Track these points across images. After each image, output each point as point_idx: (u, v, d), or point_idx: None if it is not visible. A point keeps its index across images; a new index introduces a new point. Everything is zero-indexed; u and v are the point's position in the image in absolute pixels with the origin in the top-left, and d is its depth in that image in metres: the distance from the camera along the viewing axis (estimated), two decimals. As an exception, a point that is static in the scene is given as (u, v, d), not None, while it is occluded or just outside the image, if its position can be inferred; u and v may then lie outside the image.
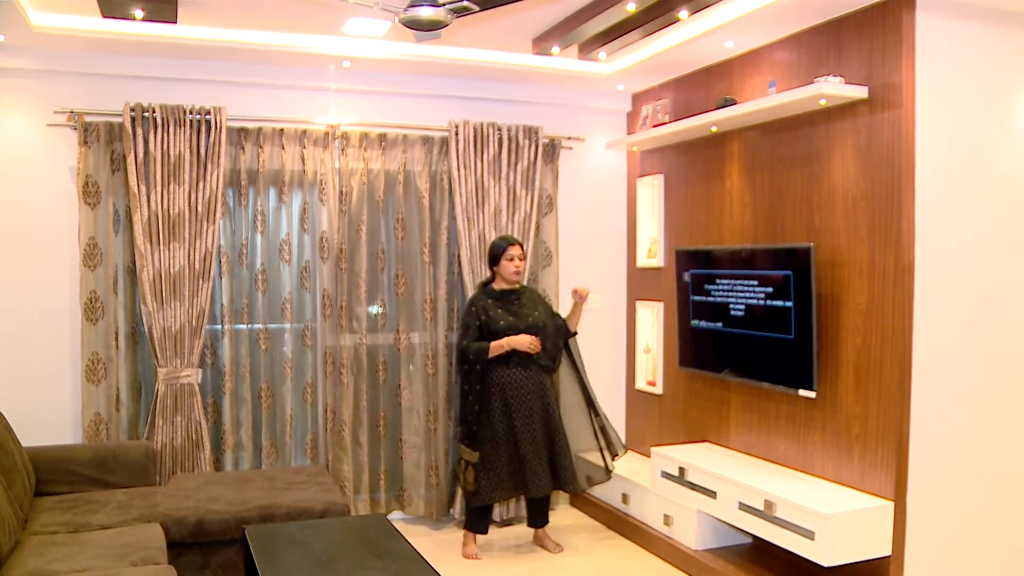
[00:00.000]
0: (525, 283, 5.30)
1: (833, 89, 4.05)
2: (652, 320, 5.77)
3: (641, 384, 5.87)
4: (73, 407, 4.97)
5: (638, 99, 5.94)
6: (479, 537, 5.13)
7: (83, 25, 4.55)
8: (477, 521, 5.06)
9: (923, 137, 3.91)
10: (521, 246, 5.04)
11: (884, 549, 3.97)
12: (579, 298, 5.07)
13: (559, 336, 5.07)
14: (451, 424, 5.62)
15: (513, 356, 4.89)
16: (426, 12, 3.68)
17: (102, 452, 4.65)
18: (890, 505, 3.98)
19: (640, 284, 5.96)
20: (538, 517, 5.18)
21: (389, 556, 3.58)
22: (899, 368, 3.96)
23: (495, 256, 4.99)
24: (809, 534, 3.93)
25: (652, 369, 5.79)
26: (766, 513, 4.18)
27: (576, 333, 5.18)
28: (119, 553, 3.63)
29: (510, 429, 4.87)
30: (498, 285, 5.04)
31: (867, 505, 3.98)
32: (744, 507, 4.34)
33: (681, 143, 5.47)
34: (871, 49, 4.07)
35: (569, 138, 5.82)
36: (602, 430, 5.18)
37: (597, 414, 5.19)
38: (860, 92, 4.08)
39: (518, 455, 4.87)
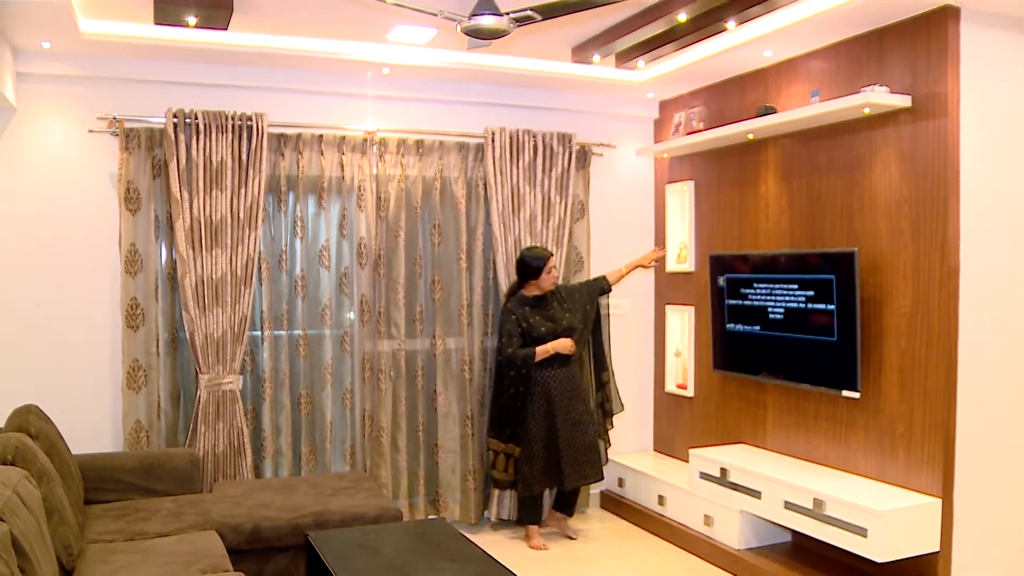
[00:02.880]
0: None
1: (879, 98, 4.16)
2: (682, 324, 5.85)
3: (671, 387, 5.95)
4: (114, 414, 4.96)
5: (666, 107, 6.03)
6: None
7: (131, 32, 4.56)
8: (530, 511, 5.31)
9: (967, 144, 4.02)
10: (553, 256, 5.31)
11: (932, 545, 4.07)
12: (649, 262, 5.52)
13: (592, 302, 5.43)
14: (486, 430, 5.66)
15: (554, 357, 5.20)
16: (488, 21, 3.73)
17: (147, 459, 4.64)
18: (938, 502, 4.08)
19: (670, 289, 6.04)
20: (567, 506, 5.50)
21: (462, 559, 3.62)
22: (945, 368, 4.06)
23: (536, 270, 5.21)
24: (861, 531, 4.02)
25: (682, 372, 5.87)
26: (815, 512, 4.26)
27: (611, 290, 5.52)
28: (184, 561, 3.62)
29: (552, 426, 5.16)
30: (530, 292, 5.30)
31: (916, 502, 4.07)
32: (791, 506, 4.42)
33: (712, 150, 5.56)
34: (914, 59, 4.18)
35: (600, 145, 5.89)
36: (602, 397, 5.57)
37: (602, 377, 5.57)
38: (904, 101, 4.19)
39: (556, 449, 5.15)
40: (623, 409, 5.72)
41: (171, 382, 5.02)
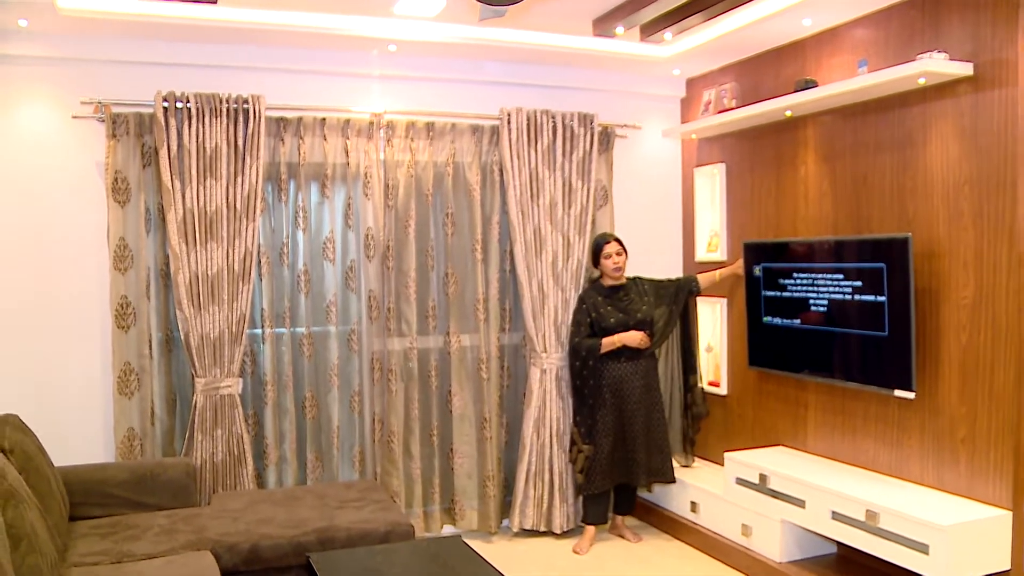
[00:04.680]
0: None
1: (938, 66, 3.75)
2: (714, 317, 5.45)
3: (702, 384, 5.54)
4: (104, 422, 4.61)
5: (693, 84, 5.62)
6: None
7: (113, 7, 4.19)
8: (594, 512, 5.07)
9: (1038, 117, 3.61)
10: (618, 241, 5.03)
11: (1003, 563, 3.68)
12: (742, 269, 5.08)
13: (677, 301, 5.15)
14: (504, 432, 5.31)
15: (624, 350, 4.94)
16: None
17: (139, 471, 4.29)
18: (1008, 515, 3.69)
19: (699, 280, 5.64)
20: (626, 505, 5.26)
21: (479, 585, 3.26)
22: (1015, 366, 3.67)
23: (595, 255, 5.06)
24: (922, 548, 3.63)
25: (715, 369, 5.47)
26: (868, 524, 3.88)
27: (700, 292, 5.25)
28: (174, 586, 3.30)
29: (619, 422, 4.95)
30: (605, 281, 5.09)
31: (984, 515, 3.68)
32: (839, 517, 4.04)
33: (745, 130, 5.15)
34: (976, 23, 3.76)
35: (624, 126, 5.49)
36: (690, 400, 5.31)
37: (690, 380, 5.30)
38: (965, 69, 3.78)
39: (624, 447, 4.95)
40: (708, 414, 5.38)
41: (166, 386, 4.68)
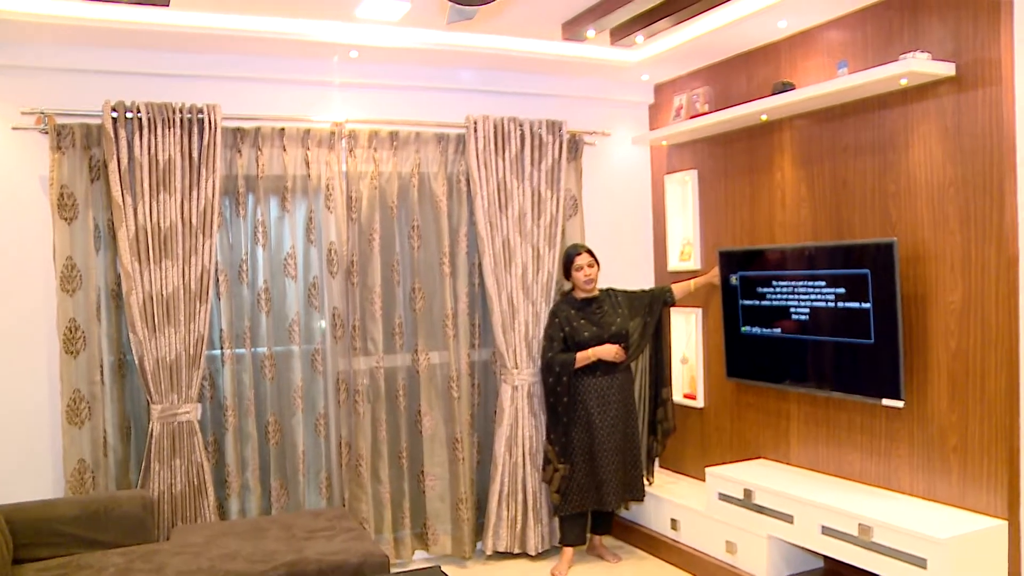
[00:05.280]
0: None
1: (921, 66, 3.66)
2: (689, 328, 5.32)
3: (678, 397, 5.39)
4: (53, 454, 4.32)
5: (662, 90, 5.50)
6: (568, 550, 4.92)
7: (54, 10, 3.93)
8: (571, 533, 4.89)
9: (1024, 116, 3.54)
10: (589, 252, 4.87)
11: (999, 573, 3.58)
12: (718, 278, 4.95)
13: (652, 312, 5.00)
14: (476, 452, 5.11)
15: (599, 365, 4.78)
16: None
17: (91, 506, 3.99)
18: (1004, 524, 3.59)
19: (672, 290, 5.50)
20: (604, 524, 5.10)
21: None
22: (1007, 371, 3.58)
23: (566, 268, 4.90)
24: (920, 562, 3.52)
25: (690, 381, 5.34)
26: (861, 539, 3.75)
27: (675, 303, 5.10)
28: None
29: (591, 442, 4.76)
30: (577, 294, 4.89)
31: (981, 526, 3.57)
32: (830, 532, 3.91)
33: (717, 135, 5.03)
34: (957, 21, 3.68)
35: (592, 133, 5.35)
36: (661, 415, 5.11)
37: (662, 393, 5.12)
38: (948, 69, 3.70)
39: (595, 467, 4.76)
40: (675, 429, 5.22)
41: (119, 414, 4.40)
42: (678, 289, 5.05)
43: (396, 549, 4.89)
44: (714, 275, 4.96)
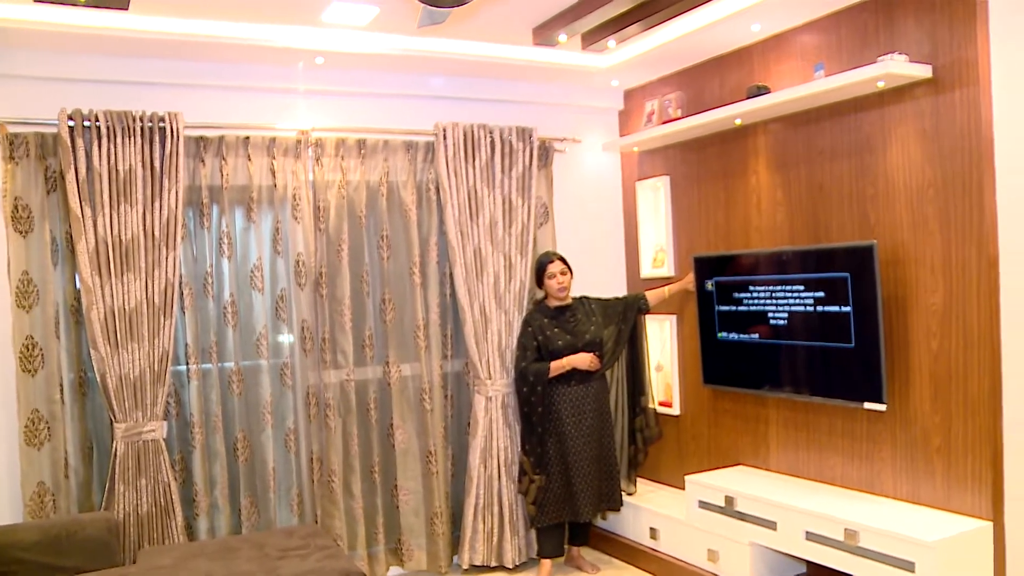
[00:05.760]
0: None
1: (899, 68, 3.65)
2: (663, 335, 5.27)
3: (653, 405, 5.32)
4: (10, 477, 4.12)
5: (632, 96, 5.46)
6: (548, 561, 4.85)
7: (4, 13, 3.76)
8: (547, 545, 4.81)
9: (1002, 116, 3.53)
10: (562, 259, 4.82)
11: (984, 575, 3.57)
12: (692, 284, 4.92)
13: (626, 320, 4.94)
14: (450, 465, 5.00)
15: (574, 374, 4.72)
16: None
17: (52, 530, 3.81)
18: (989, 526, 3.58)
19: (646, 297, 5.45)
20: (580, 536, 5.02)
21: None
22: (989, 372, 3.57)
23: (538, 276, 4.85)
24: (908, 566, 3.49)
25: (665, 388, 5.28)
26: (847, 544, 3.72)
27: (649, 310, 5.03)
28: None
29: (566, 452, 4.70)
30: (550, 302, 4.81)
31: (968, 528, 3.56)
32: (814, 537, 3.87)
33: (689, 141, 5.00)
34: (933, 23, 3.68)
35: (563, 140, 5.28)
36: (641, 424, 5.06)
37: (640, 402, 5.06)
38: (925, 71, 3.69)
39: (571, 478, 4.69)
40: (661, 435, 5.15)
41: (80, 434, 4.23)
42: (652, 296, 5.00)
43: (370, 565, 4.77)
44: (688, 281, 4.92)
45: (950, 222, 3.68)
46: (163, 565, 3.77)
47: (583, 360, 4.67)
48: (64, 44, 4.08)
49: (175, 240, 4.24)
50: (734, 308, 4.59)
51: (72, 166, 4.05)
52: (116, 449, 4.13)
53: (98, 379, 4.12)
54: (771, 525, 4.10)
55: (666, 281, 5.16)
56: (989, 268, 3.55)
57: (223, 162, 4.44)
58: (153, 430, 4.19)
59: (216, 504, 4.44)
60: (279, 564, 3.74)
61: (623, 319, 4.92)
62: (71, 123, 4.05)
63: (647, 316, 5.17)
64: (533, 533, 4.90)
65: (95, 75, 4.23)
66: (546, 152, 5.22)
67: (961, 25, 3.58)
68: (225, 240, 4.47)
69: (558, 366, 4.66)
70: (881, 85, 3.81)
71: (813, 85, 3.94)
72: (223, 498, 4.45)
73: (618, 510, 4.87)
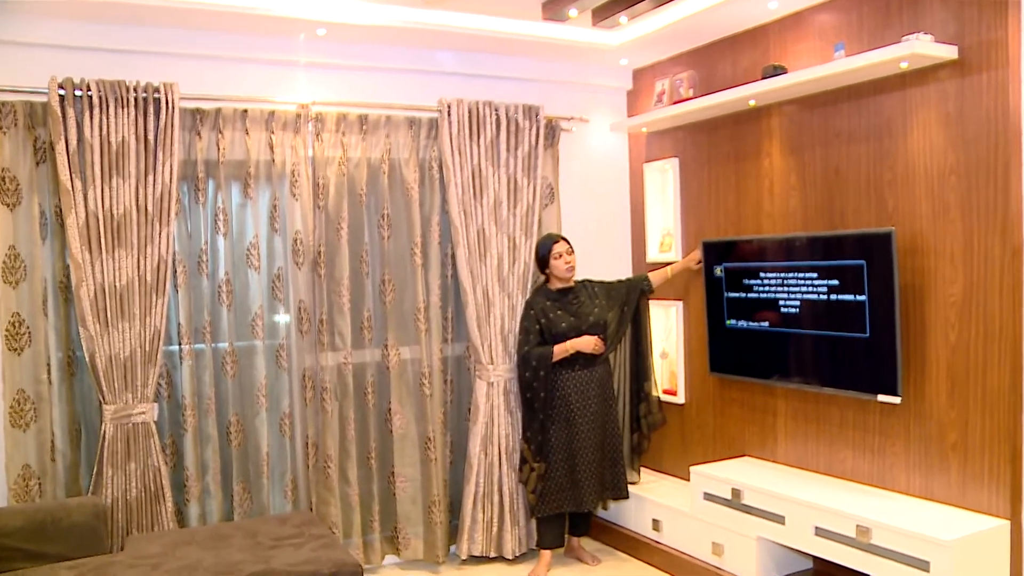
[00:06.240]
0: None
1: (925, 48, 3.50)
2: (669, 321, 5.14)
3: (657, 393, 5.20)
4: (-5, 459, 4.00)
5: (640, 75, 5.30)
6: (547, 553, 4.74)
7: (-3, -22, 3.62)
8: (548, 536, 4.70)
9: (1031, 101, 3.40)
10: (565, 240, 4.67)
11: (1002, 575, 3.46)
12: (695, 263, 4.84)
13: (629, 302, 4.83)
14: (449, 452, 4.88)
15: (578, 358, 4.59)
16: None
17: (37, 516, 3.69)
18: (1006, 524, 3.46)
19: (651, 282, 5.31)
20: (583, 525, 4.94)
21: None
22: (1010, 366, 3.45)
23: (543, 258, 4.66)
24: (923, 565, 3.38)
25: (670, 376, 5.16)
26: (859, 540, 3.60)
27: (652, 291, 4.90)
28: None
29: (571, 439, 4.58)
30: (553, 285, 4.66)
31: (985, 526, 3.44)
32: (824, 533, 3.76)
33: (699, 122, 4.85)
34: (960, 3, 3.54)
35: (570, 119, 5.13)
36: (645, 410, 4.95)
37: (644, 387, 4.94)
38: (950, 52, 3.55)
39: (575, 467, 4.57)
40: (665, 422, 5.03)
41: (68, 415, 4.09)
42: (655, 277, 4.86)
43: (365, 554, 4.65)
44: (692, 259, 4.79)
45: (973, 210, 3.54)
46: (151, 553, 3.66)
47: (587, 343, 4.54)
48: (55, 9, 3.91)
49: (169, 216, 4.09)
50: (744, 295, 4.46)
51: (62, 137, 3.89)
52: (105, 432, 3.99)
53: (87, 359, 3.99)
54: (779, 519, 3.98)
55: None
56: (1013, 258, 3.42)
57: (220, 135, 4.29)
58: (143, 412, 4.06)
59: (208, 489, 4.31)
60: (272, 554, 3.63)
61: (626, 301, 4.80)
62: (62, 92, 3.89)
63: (653, 302, 5.05)
64: (533, 523, 4.79)
65: (87, 42, 4.05)
66: (552, 131, 5.07)
67: (990, 5, 3.44)
68: (221, 216, 4.32)
69: (561, 350, 4.53)
70: (904, 66, 3.67)
71: (834, 65, 3.79)
72: (215, 483, 4.32)
73: (626, 498, 4.74)
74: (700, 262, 4.76)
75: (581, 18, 4.41)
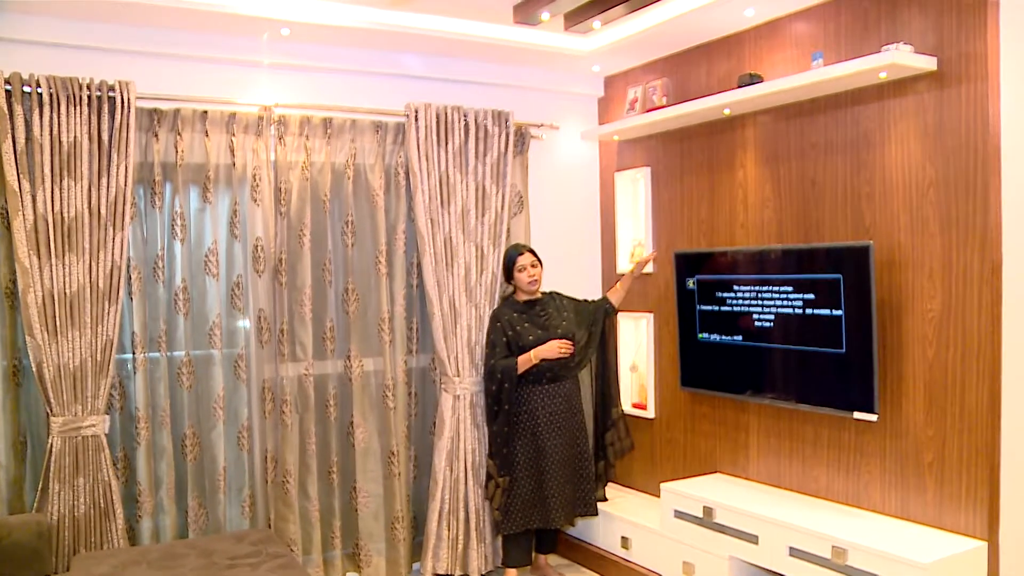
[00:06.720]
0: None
1: (904, 59, 3.44)
2: (639, 335, 5.05)
3: (626, 407, 5.08)
4: (-67, 473, 3.80)
5: (612, 83, 5.21)
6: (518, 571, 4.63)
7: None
8: (514, 553, 4.58)
9: (1011, 114, 3.33)
10: (531, 251, 4.56)
11: (979, 598, 3.39)
12: (637, 266, 4.80)
13: (596, 323, 4.68)
14: (413, 467, 4.74)
15: (545, 372, 4.44)
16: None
17: (-23, 534, 3.51)
18: (983, 546, 3.39)
19: (622, 293, 5.21)
20: (549, 543, 4.81)
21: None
22: (988, 384, 3.38)
23: (508, 269, 4.57)
24: (899, 587, 3.30)
25: (640, 390, 5.06)
26: (834, 562, 3.52)
27: (616, 311, 4.79)
28: None
29: (538, 455, 4.45)
30: (520, 296, 4.54)
31: (963, 548, 3.37)
32: (798, 554, 3.67)
33: (672, 131, 4.77)
34: (940, 14, 3.48)
35: (540, 126, 5.02)
36: (613, 437, 4.78)
37: (611, 413, 4.78)
38: (929, 63, 3.49)
39: (542, 483, 4.45)
40: (633, 448, 4.88)
41: (12, 428, 3.89)
42: (613, 296, 4.76)
43: (326, 571, 4.49)
44: (640, 265, 4.77)
45: (951, 224, 3.48)
46: (99, 573, 3.48)
47: (551, 349, 4.38)
48: (2, 2, 3.73)
49: (123, 220, 3.92)
50: (717, 308, 4.37)
51: (9, 135, 3.71)
52: (52, 445, 3.80)
53: (33, 368, 3.79)
54: (752, 539, 3.89)
55: (643, 278, 4.93)
56: (992, 274, 3.36)
57: (178, 137, 4.12)
58: (94, 425, 3.87)
59: (161, 505, 4.14)
60: (227, 574, 3.46)
61: (594, 321, 4.67)
62: (8, 87, 3.71)
63: (622, 314, 4.96)
64: (500, 541, 4.66)
65: (38, 36, 3.88)
66: (522, 138, 4.95)
67: (969, 17, 3.38)
68: (178, 221, 4.16)
69: (525, 360, 4.39)
70: (883, 76, 3.60)
71: (812, 74, 3.72)
72: (169, 499, 4.14)
73: (595, 515, 4.62)
74: (646, 263, 4.77)
75: (553, 23, 4.31)
